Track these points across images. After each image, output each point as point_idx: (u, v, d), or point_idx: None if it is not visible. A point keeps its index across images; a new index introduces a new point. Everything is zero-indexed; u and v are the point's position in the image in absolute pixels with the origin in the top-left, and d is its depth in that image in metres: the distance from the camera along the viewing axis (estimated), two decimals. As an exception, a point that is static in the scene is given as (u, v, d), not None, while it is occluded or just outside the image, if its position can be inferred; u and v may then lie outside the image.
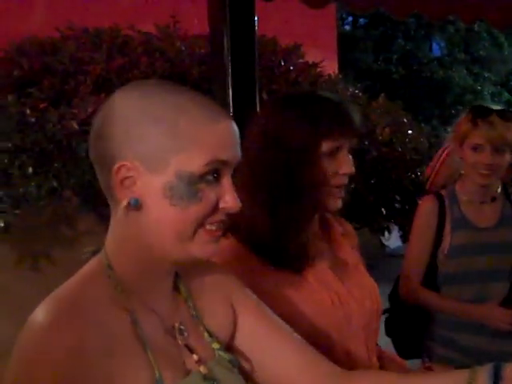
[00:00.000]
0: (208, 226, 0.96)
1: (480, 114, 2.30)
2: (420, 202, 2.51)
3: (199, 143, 0.94)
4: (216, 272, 1.15)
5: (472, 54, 17.19)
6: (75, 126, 2.80)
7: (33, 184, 2.83)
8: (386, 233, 4.29)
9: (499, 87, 17.26)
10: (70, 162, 2.87)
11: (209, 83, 2.97)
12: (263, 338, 1.14)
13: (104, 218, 3.29)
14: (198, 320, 1.06)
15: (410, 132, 4.16)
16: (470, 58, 17.20)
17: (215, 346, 1.05)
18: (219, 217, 0.97)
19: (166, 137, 0.93)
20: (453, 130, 2.41)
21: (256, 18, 2.64)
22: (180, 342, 1.01)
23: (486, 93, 16.61)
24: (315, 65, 3.95)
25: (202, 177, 0.94)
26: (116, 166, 0.93)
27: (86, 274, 0.97)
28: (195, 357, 1.01)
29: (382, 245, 10.55)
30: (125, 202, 0.94)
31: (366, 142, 3.64)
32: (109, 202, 1.00)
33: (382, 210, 3.89)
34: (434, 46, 18.53)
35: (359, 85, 4.57)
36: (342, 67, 8.65)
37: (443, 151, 3.04)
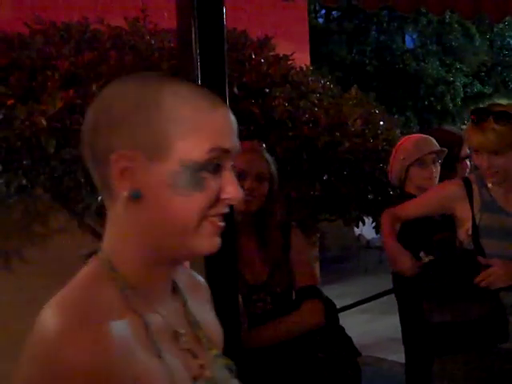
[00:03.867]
0: (211, 218, 0.94)
1: (477, 120, 2.38)
2: (444, 182, 2.72)
3: (201, 130, 0.92)
4: (197, 279, 1.14)
5: (444, 46, 17.35)
6: (44, 122, 2.76)
7: (1, 181, 2.80)
8: (360, 224, 4.31)
9: (471, 78, 17.42)
10: (39, 158, 2.83)
11: (179, 77, 2.95)
12: None
13: (76, 214, 3.27)
14: (196, 325, 1.03)
15: (382, 123, 4.18)
16: (442, 49, 17.36)
17: (214, 352, 1.04)
18: (221, 209, 0.95)
19: (167, 124, 0.91)
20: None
21: (224, 11, 2.63)
22: (184, 346, 0.98)
23: (458, 84, 16.77)
24: (286, 57, 3.94)
25: (205, 165, 0.91)
26: (115, 156, 0.90)
27: (89, 278, 0.93)
28: (199, 361, 0.99)
29: (358, 236, 10.57)
30: (125, 194, 0.91)
31: (338, 134, 3.65)
32: (104, 200, 0.96)
33: (355, 201, 3.91)
34: (407, 37, 18.66)
35: (330, 76, 4.57)
36: (315, 60, 8.67)
37: (395, 150, 3.12)
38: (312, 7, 15.60)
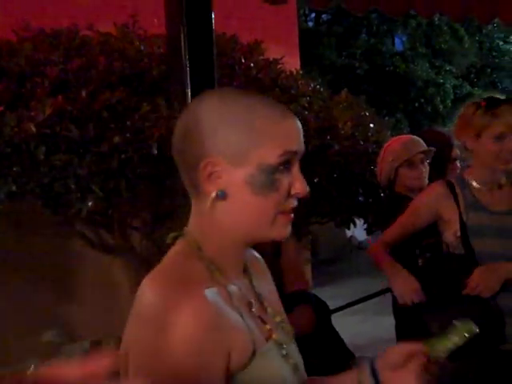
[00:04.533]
0: (284, 212, 1.11)
1: (495, 105, 2.39)
2: (428, 186, 2.66)
3: (273, 138, 1.09)
4: (256, 256, 1.31)
5: (433, 48, 17.41)
6: (33, 128, 2.76)
7: (-9, 188, 2.79)
8: (352, 226, 4.32)
9: (461, 79, 17.50)
10: (29, 165, 2.83)
11: (168, 83, 2.96)
12: None
13: (66, 221, 3.25)
14: (261, 297, 1.21)
15: (372, 126, 4.20)
16: (432, 51, 17.42)
17: (277, 318, 1.22)
18: (292, 203, 1.12)
19: (244, 135, 1.08)
20: (461, 126, 2.49)
21: (213, 16, 2.64)
22: (256, 313, 1.15)
23: (447, 85, 16.84)
24: (276, 61, 3.96)
25: (277, 167, 1.09)
26: (203, 163, 1.08)
27: (180, 256, 1.11)
28: (268, 326, 1.16)
29: (350, 238, 10.57)
30: (214, 194, 1.08)
31: (328, 137, 3.67)
32: (192, 197, 1.14)
33: (346, 203, 3.92)
34: (397, 40, 18.73)
35: (320, 80, 4.59)
36: (305, 63, 8.69)
37: (384, 152, 3.14)
38: (302, 11, 15.64)
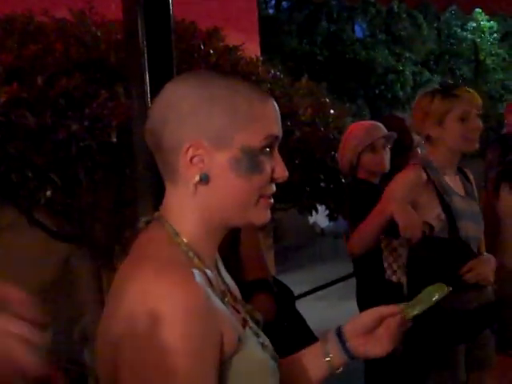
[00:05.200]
0: (264, 195, 1.10)
1: (451, 89, 2.46)
2: (404, 170, 2.56)
3: (256, 121, 1.08)
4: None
5: (393, 35, 17.56)
6: (-12, 116, 2.70)
7: None
8: (314, 213, 4.34)
9: (420, 66, 17.70)
10: (-16, 154, 2.77)
11: (126, 70, 2.92)
12: None
13: (25, 211, 3.18)
14: (229, 287, 1.20)
15: (332, 112, 4.21)
16: (391, 38, 17.57)
17: (248, 307, 1.22)
18: (273, 187, 1.12)
19: (227, 117, 1.06)
20: (420, 117, 2.49)
21: (171, 1, 2.61)
22: (230, 302, 1.13)
23: (407, 72, 17.02)
24: (236, 48, 3.93)
25: (261, 150, 1.08)
26: (185, 146, 1.06)
27: (157, 240, 1.08)
28: (242, 315, 1.15)
29: (313, 225, 10.63)
30: (197, 178, 1.06)
31: (289, 123, 3.66)
32: (167, 181, 1.12)
33: (308, 189, 3.93)
34: (357, 27, 18.82)
35: (281, 67, 4.58)
36: (266, 50, 8.67)
37: (345, 138, 3.16)
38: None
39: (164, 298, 0.96)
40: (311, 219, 9.16)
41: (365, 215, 2.59)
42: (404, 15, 17.02)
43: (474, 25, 17.49)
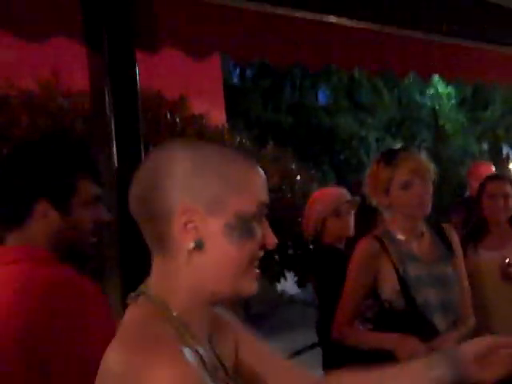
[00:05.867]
0: (253, 264, 1.10)
1: (394, 156, 2.41)
2: (358, 245, 2.54)
3: (248, 187, 1.09)
4: (222, 314, 1.27)
5: (355, 102, 17.98)
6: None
7: None
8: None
9: (383, 132, 18.08)
10: None
11: (92, 140, 2.92)
12: (262, 363, 1.28)
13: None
14: (222, 358, 1.16)
15: (298, 178, 4.25)
16: (354, 105, 17.98)
17: (238, 381, 1.19)
18: (260, 253, 1.12)
19: (221, 183, 1.06)
20: (371, 184, 2.49)
21: (138, 72, 2.64)
22: (222, 378, 1.12)
23: (370, 139, 17.36)
24: (201, 116, 3.99)
25: (254, 216, 1.09)
26: (179, 212, 1.04)
27: (146, 317, 1.04)
28: None
29: (281, 292, 10.55)
30: (192, 244, 1.05)
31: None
32: (154, 252, 1.09)
33: (276, 256, 3.92)
34: (320, 94, 19.23)
35: (247, 134, 4.64)
36: (231, 118, 8.78)
37: (310, 203, 3.19)
38: (227, 67, 15.92)
39: (145, 369, 0.92)
40: (280, 286, 9.10)
41: (331, 281, 2.58)
42: (365, 82, 17.47)
43: (433, 91, 18.01)
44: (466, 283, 2.60)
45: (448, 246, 2.55)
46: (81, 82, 3.41)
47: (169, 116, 3.69)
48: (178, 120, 3.68)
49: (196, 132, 3.76)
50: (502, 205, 3.23)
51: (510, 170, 15.26)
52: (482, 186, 3.36)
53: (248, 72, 18.45)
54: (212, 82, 6.65)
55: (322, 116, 17.41)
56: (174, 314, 1.05)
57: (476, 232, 3.28)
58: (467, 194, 5.92)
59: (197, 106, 4.15)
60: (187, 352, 0.99)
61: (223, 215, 1.06)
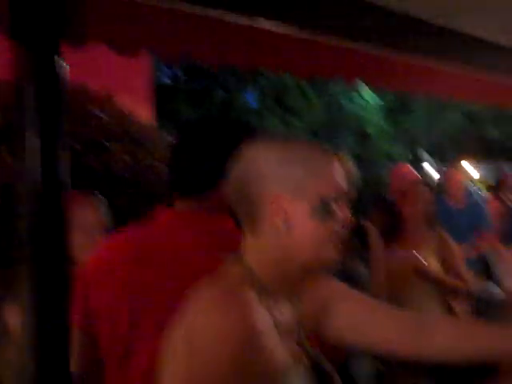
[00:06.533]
0: (335, 237, 1.30)
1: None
2: None
3: (326, 174, 1.30)
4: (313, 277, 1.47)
5: (284, 105, 18.16)
6: None
7: None
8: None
9: (311, 137, 18.33)
10: None
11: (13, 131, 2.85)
12: (363, 315, 1.45)
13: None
14: (299, 326, 1.38)
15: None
16: (283, 108, 18.15)
17: (309, 349, 1.38)
18: (343, 233, 1.32)
19: (304, 172, 1.28)
20: None
21: (63, 64, 2.60)
22: (295, 339, 1.34)
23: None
24: (129, 113, 3.95)
25: (333, 199, 1.29)
26: (271, 199, 1.27)
27: (235, 279, 1.27)
28: (300, 352, 1.34)
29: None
30: (281, 224, 1.27)
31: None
32: (247, 230, 1.32)
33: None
34: (250, 97, 19.33)
35: (175, 134, 4.62)
36: (161, 118, 8.73)
37: None
38: (157, 67, 15.78)
39: (227, 314, 1.16)
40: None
41: None
42: (292, 85, 17.65)
43: (359, 97, 18.36)
44: (380, 278, 2.70)
45: (364, 244, 2.67)
46: (2, 72, 3.32)
47: (96, 112, 3.64)
48: (103, 116, 3.64)
49: (123, 129, 3.73)
50: (422, 208, 3.43)
51: (424, 170, 15.86)
52: (404, 190, 3.55)
53: (179, 73, 18.35)
54: (140, 80, 6.61)
55: (252, 118, 17.51)
56: (259, 280, 1.27)
57: (392, 230, 3.45)
58: (386, 194, 6.06)
59: (124, 103, 4.11)
60: (259, 309, 1.22)
61: (307, 198, 1.27)
